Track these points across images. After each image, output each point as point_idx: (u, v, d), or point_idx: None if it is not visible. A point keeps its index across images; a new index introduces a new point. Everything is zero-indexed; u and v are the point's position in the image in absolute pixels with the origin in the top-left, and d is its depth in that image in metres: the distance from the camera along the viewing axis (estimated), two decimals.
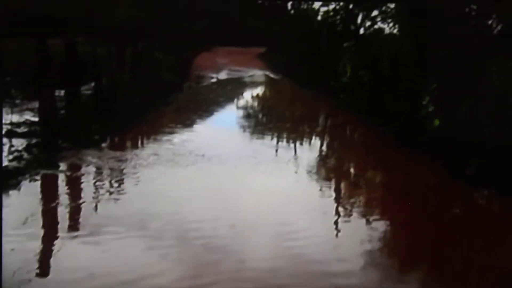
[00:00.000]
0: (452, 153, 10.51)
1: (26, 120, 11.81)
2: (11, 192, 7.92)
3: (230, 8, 49.42)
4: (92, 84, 13.73)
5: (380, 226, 7.92)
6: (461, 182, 9.68)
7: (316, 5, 28.54)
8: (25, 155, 9.62)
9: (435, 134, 11.35)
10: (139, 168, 9.86)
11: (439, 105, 11.44)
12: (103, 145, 11.40)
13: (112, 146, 11.67)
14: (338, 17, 25.54)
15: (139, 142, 12.55)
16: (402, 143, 12.49)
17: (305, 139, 14.47)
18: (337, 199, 9.21)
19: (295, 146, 13.05)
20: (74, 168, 9.67)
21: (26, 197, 8.04)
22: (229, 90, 25.24)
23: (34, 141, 10.32)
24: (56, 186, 8.81)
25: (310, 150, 13.19)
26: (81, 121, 11.56)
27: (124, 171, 9.67)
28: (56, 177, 9.08)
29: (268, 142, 13.19)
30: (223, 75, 30.95)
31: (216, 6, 46.07)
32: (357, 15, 25.06)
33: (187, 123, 15.06)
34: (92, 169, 9.70)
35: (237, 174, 10.00)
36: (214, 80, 28.66)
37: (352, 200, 9.12)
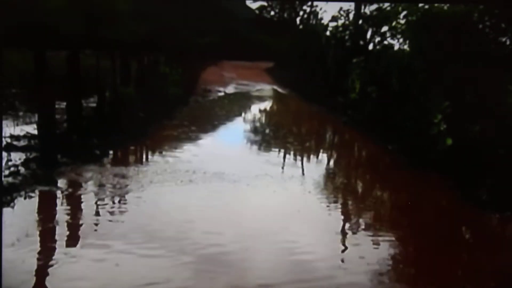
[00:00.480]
0: (465, 174, 10.13)
1: (27, 133, 11.45)
2: (4, 209, 7.52)
3: (239, 23, 49.48)
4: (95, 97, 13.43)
5: (388, 246, 7.55)
6: (474, 204, 9.28)
7: (325, 20, 28.34)
8: (22, 170, 9.27)
9: (447, 154, 10.95)
10: (143, 185, 9.44)
11: (452, 124, 11.05)
12: (105, 160, 11.06)
13: (114, 162, 11.34)
14: (347, 32, 25.26)
15: (143, 157, 12.24)
16: (412, 162, 12.11)
17: (312, 155, 14.09)
18: (345, 218, 8.89)
19: (302, 163, 12.69)
20: (73, 184, 9.29)
21: (20, 215, 7.66)
22: (236, 104, 24.93)
23: (33, 155, 9.95)
24: (54, 204, 8.39)
25: (317, 167, 12.81)
26: (82, 135, 11.22)
27: (127, 188, 9.24)
28: (54, 194, 8.70)
29: (275, 159, 12.76)
30: (230, 89, 30.73)
31: (224, 21, 46.12)
32: (367, 31, 24.79)
33: (192, 138, 14.71)
34: (92, 186, 9.29)
35: (248, 194, 9.54)
36: (221, 94, 28.41)
37: (360, 219, 8.77)
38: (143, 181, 9.65)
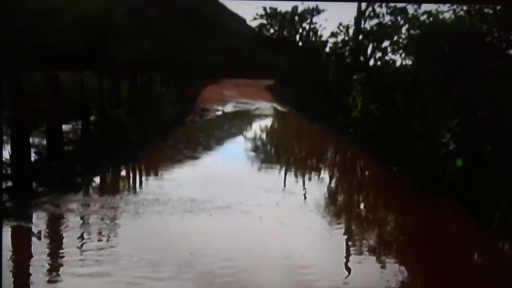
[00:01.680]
0: (477, 198, 9.29)
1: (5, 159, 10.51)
2: None
3: (238, 41, 49.11)
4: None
5: (394, 271, 6.98)
6: (488, 231, 8.44)
7: (325, 36, 27.73)
8: None
9: (457, 176, 10.10)
10: (134, 217, 8.55)
11: (462, 143, 10.22)
12: (87, 189, 10.21)
13: (98, 190, 10.47)
14: (347, 48, 24.60)
15: (130, 185, 11.41)
16: (419, 184, 11.26)
17: (313, 175, 13.24)
18: (347, 240, 8.31)
19: (303, 182, 11.83)
20: (52, 218, 8.35)
21: None
22: (235, 124, 24.12)
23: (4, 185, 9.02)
24: (28, 242, 7.42)
25: (319, 186, 12.01)
26: (62, 162, 10.37)
27: (115, 221, 8.35)
28: (28, 231, 7.74)
29: (274, 183, 11.72)
30: (229, 108, 30.02)
31: (226, 39, 45.76)
32: (367, 46, 24.12)
33: (187, 162, 13.82)
34: (74, 219, 8.33)
35: (257, 226, 8.55)
36: (219, 113, 27.68)
37: (363, 244, 8.08)
38: (128, 212, 8.77)
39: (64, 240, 7.56)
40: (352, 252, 7.82)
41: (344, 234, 8.66)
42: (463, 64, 10.92)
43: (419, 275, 7.16)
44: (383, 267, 7.19)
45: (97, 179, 11.08)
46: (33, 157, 10.10)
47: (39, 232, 7.67)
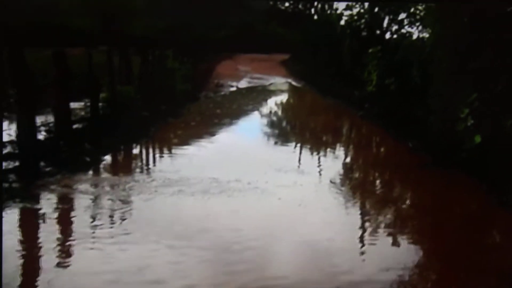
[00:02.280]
0: (497, 175, 8.96)
1: (11, 139, 10.23)
2: None
3: (253, 15, 48.51)
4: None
5: (410, 251, 6.85)
6: (509, 209, 8.12)
7: (340, 9, 27.08)
8: None
9: (476, 152, 9.75)
10: (146, 198, 8.25)
11: (480, 119, 9.84)
12: (95, 168, 10.00)
13: (107, 170, 10.26)
14: (363, 21, 24.03)
15: (141, 163, 11.22)
16: (436, 161, 10.95)
17: (329, 156, 12.95)
18: (363, 218, 8.15)
19: (319, 165, 11.56)
20: (61, 199, 8.12)
21: None
22: (248, 100, 23.77)
23: (11, 164, 8.83)
24: (36, 224, 7.16)
25: (334, 163, 11.80)
26: (70, 140, 10.16)
27: (127, 201, 8.09)
28: (36, 212, 7.49)
29: (291, 163, 11.26)
30: (243, 83, 29.68)
31: (239, 14, 45.18)
32: (383, 19, 23.56)
33: (199, 139, 13.56)
34: (84, 200, 8.06)
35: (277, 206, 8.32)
36: (233, 88, 27.36)
37: (379, 221, 7.91)
38: (137, 193, 8.56)
39: (73, 221, 7.37)
40: (370, 231, 7.58)
41: (365, 215, 8.39)
42: (483, 36, 10.47)
43: (438, 256, 6.87)
44: (400, 246, 6.98)
45: (106, 158, 10.86)
46: (41, 135, 9.93)
47: (44, 214, 7.46)
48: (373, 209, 8.66)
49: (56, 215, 7.56)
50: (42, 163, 9.08)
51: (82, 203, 7.95)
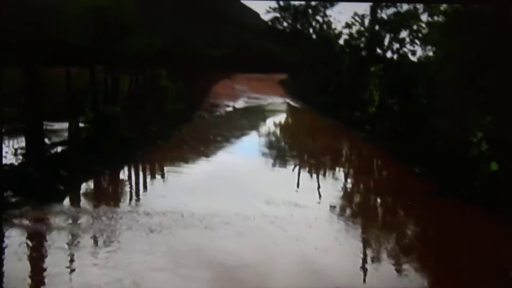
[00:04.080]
0: None
1: None
2: None
3: (252, 35, 48.04)
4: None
5: None
6: None
7: (339, 27, 26.36)
8: None
9: (491, 181, 8.80)
10: (131, 233, 7.32)
11: (496, 144, 8.91)
12: (70, 197, 9.01)
13: (83, 198, 9.29)
14: (363, 39, 23.23)
15: (120, 192, 10.20)
16: (446, 190, 9.94)
17: (327, 173, 11.99)
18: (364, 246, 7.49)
19: (318, 182, 10.51)
20: (30, 234, 7.20)
21: None
22: (245, 122, 22.83)
23: None
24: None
25: (333, 186, 11.09)
26: (42, 165, 9.15)
27: (107, 238, 7.16)
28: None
29: (288, 192, 10.16)
30: (240, 103, 28.85)
31: (237, 33, 44.69)
32: (384, 37, 22.77)
33: (189, 164, 12.60)
34: (57, 235, 7.13)
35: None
36: (229, 109, 26.48)
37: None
38: (113, 229, 7.56)
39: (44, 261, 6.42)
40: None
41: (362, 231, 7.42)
42: (496, 52, 9.61)
43: None
44: None
45: (83, 186, 9.85)
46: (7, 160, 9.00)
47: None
48: (383, 254, 7.50)
49: (15, 256, 6.54)
50: (7, 192, 8.09)
51: (52, 240, 7.00)
